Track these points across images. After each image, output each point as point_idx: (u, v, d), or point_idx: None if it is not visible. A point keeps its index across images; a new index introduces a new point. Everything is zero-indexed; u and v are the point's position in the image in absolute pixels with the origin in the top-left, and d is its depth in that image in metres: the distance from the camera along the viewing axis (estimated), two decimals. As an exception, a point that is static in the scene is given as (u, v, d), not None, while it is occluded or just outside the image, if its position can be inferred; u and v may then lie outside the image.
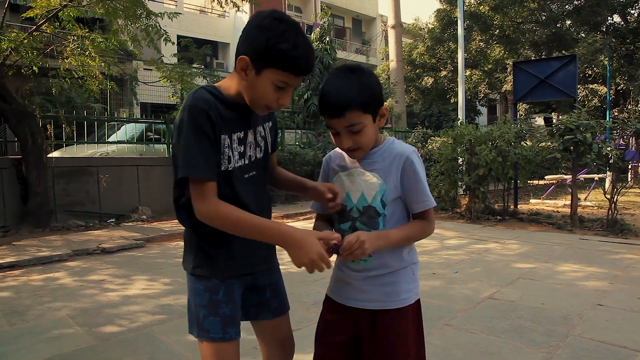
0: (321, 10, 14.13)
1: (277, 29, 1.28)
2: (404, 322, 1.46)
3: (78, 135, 8.86)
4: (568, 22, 18.18)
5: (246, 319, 1.57)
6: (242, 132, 1.43)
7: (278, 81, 1.33)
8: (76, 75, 7.80)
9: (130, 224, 7.64)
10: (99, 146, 9.12)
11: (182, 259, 1.51)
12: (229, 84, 1.40)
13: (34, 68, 7.14)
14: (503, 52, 19.24)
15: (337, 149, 1.57)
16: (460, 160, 8.15)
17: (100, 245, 5.77)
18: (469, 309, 3.42)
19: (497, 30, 18.19)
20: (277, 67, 1.30)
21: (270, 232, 1.32)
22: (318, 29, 13.57)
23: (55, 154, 8.39)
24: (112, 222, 7.77)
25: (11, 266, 4.95)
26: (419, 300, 1.53)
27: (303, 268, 1.28)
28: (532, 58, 16.91)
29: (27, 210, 7.13)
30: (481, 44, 19.16)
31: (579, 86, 12.69)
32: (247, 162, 1.44)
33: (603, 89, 17.99)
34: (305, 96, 12.95)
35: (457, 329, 3.03)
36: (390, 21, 17.47)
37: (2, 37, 6.63)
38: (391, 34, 17.44)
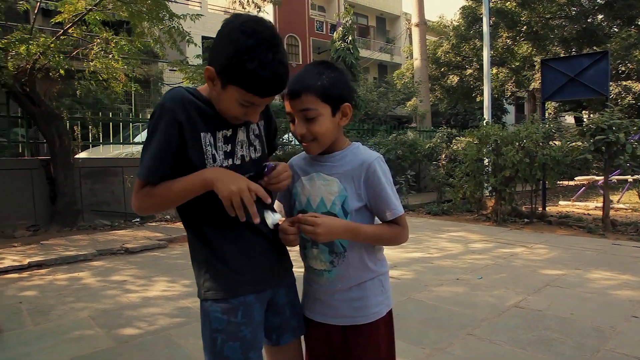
0: (344, 9, 14.07)
1: (243, 44, 1.17)
2: (374, 335, 1.43)
3: (104, 136, 9.03)
4: (600, 16, 17.65)
5: (269, 344, 1.48)
6: (230, 130, 1.35)
7: (242, 100, 1.24)
8: (101, 78, 7.93)
9: (153, 224, 7.73)
10: (124, 147, 9.27)
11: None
12: (206, 87, 1.34)
13: (61, 71, 7.28)
14: (531, 49, 18.82)
15: (300, 154, 1.53)
16: (486, 161, 7.97)
17: (124, 246, 5.84)
18: (493, 317, 3.30)
19: (525, 27, 17.79)
20: (240, 87, 1.21)
21: (198, 180, 1.25)
22: (340, 28, 13.50)
23: (82, 154, 8.56)
24: (137, 221, 7.88)
25: (38, 265, 5.05)
26: (390, 310, 1.48)
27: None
28: (562, 55, 16.47)
29: (55, 210, 7.29)
30: (508, 41, 18.77)
31: (611, 83, 12.26)
32: (238, 162, 1.36)
33: (637, 86, 17.40)
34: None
35: (481, 339, 2.93)
36: (414, 19, 17.26)
37: (32, 42, 6.78)
38: (415, 32, 17.23)
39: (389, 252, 5.43)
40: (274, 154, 1.58)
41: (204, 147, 1.29)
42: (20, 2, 7.52)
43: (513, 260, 5.07)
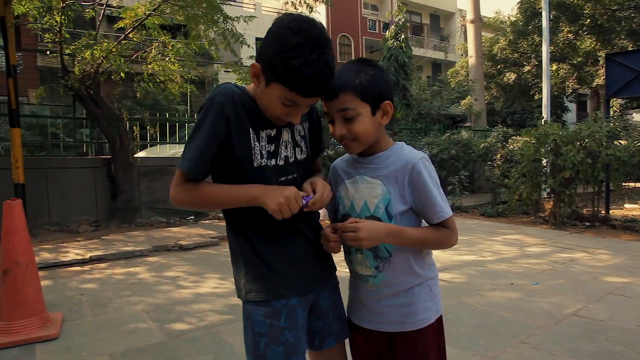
0: (397, 7, 13.84)
1: (289, 42, 1.15)
2: (423, 343, 1.37)
3: (161, 136, 9.38)
4: (674, 6, 16.43)
5: (311, 349, 1.46)
6: (274, 130, 1.33)
7: (284, 98, 1.22)
8: (158, 80, 8.24)
9: (207, 221, 7.95)
10: (180, 146, 9.58)
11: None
12: (253, 86, 1.33)
13: (122, 74, 7.62)
14: (594, 43, 17.81)
15: (344, 156, 1.49)
16: (544, 161, 7.61)
17: (178, 242, 6.04)
18: (549, 326, 3.14)
19: (588, 20, 16.85)
20: (283, 84, 1.19)
21: (245, 194, 1.26)
22: (393, 26, 13.31)
23: (140, 154, 8.93)
24: (191, 219, 8.12)
25: (99, 259, 5.32)
26: (440, 316, 1.42)
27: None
28: (629, 49, 15.47)
29: (115, 207, 7.66)
30: (569, 35, 17.85)
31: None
32: (281, 162, 1.34)
33: None
34: (379, 95, 12.76)
35: (535, 348, 2.79)
36: (469, 15, 16.78)
37: (96, 47, 7.16)
38: (470, 29, 16.75)
39: (440, 255, 5.31)
40: (323, 154, 1.56)
41: (252, 142, 1.29)
42: (87, 10, 7.96)
43: (572, 265, 4.80)
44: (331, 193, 1.35)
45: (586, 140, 6.85)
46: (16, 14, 6.99)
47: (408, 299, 1.37)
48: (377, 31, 28.26)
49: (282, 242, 1.34)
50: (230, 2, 8.90)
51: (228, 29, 7.87)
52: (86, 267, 5.04)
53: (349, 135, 1.32)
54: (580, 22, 17.09)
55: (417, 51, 25.38)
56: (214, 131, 1.25)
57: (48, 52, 7.93)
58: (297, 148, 1.39)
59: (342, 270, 1.53)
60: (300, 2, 9.28)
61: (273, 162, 1.33)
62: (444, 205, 1.32)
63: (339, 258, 1.49)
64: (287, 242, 1.35)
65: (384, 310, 1.38)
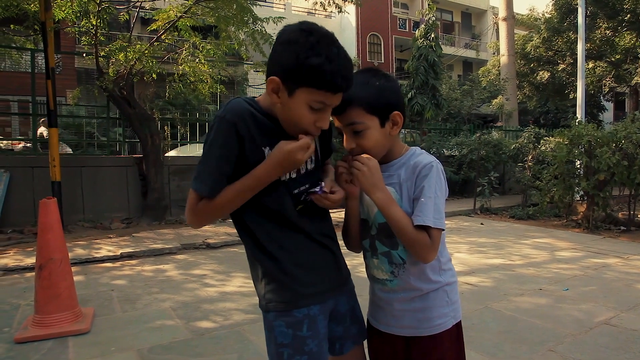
0: (427, 6, 13.68)
1: (306, 42, 1.16)
2: (439, 349, 1.36)
3: (191, 135, 9.56)
4: None
5: (332, 354, 1.46)
6: None
7: (313, 102, 1.20)
8: (189, 81, 8.40)
9: (234, 220, 8.05)
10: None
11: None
12: (265, 99, 1.30)
13: (153, 75, 7.80)
14: (634, 39, 17.16)
15: None
16: (577, 163, 7.40)
17: (205, 240, 6.15)
18: (578, 334, 3.05)
19: (628, 15, 16.23)
20: (310, 86, 1.18)
21: (256, 178, 1.25)
22: (423, 25, 13.18)
23: (171, 153, 9.11)
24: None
25: (129, 256, 5.46)
26: (458, 323, 1.40)
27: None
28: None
29: (146, 205, 7.84)
30: (607, 32, 17.25)
31: None
32: (294, 175, 1.33)
33: None
34: (409, 95, 12.66)
35: (563, 356, 2.72)
36: (502, 13, 16.43)
37: (129, 49, 7.35)
38: (502, 27, 16.40)
39: (467, 258, 5.24)
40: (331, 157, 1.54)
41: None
42: (121, 14, 8.18)
43: (605, 271, 4.66)
44: (340, 190, 1.34)
45: (622, 141, 6.63)
46: (57, 19, 7.24)
47: (423, 304, 1.37)
48: (407, 30, 28.03)
49: (299, 251, 1.34)
50: (259, 3, 8.97)
51: (257, 30, 7.95)
52: (117, 264, 5.18)
53: (359, 150, 1.32)
54: (620, 17, 16.50)
55: (448, 50, 25.02)
56: (227, 152, 1.24)
57: (84, 55, 8.19)
58: (308, 159, 1.37)
59: (362, 271, 1.53)
60: (329, 2, 9.28)
61: (290, 175, 1.32)
62: (429, 212, 1.25)
63: (357, 261, 1.50)
64: (304, 250, 1.35)
65: (400, 314, 1.39)
